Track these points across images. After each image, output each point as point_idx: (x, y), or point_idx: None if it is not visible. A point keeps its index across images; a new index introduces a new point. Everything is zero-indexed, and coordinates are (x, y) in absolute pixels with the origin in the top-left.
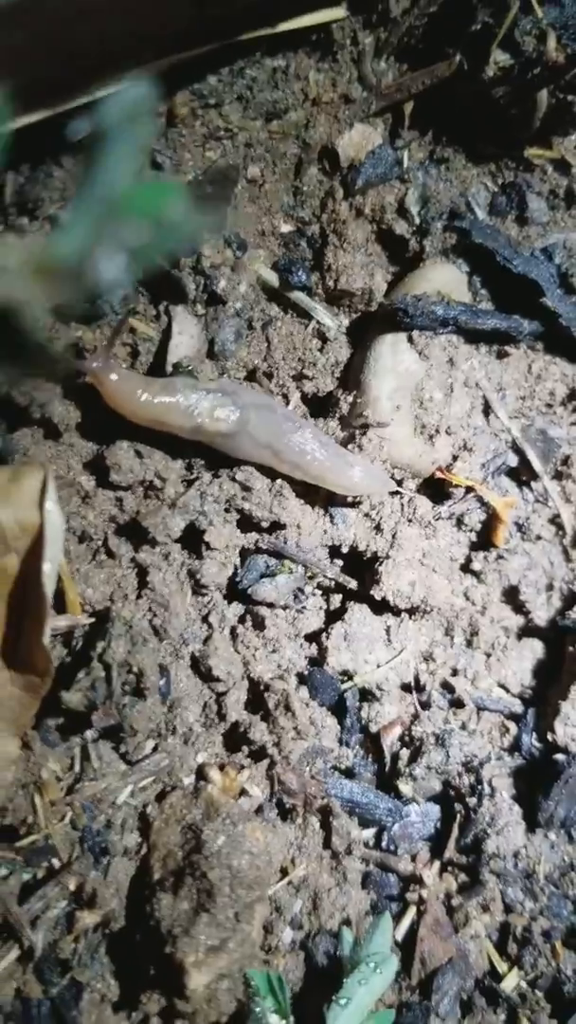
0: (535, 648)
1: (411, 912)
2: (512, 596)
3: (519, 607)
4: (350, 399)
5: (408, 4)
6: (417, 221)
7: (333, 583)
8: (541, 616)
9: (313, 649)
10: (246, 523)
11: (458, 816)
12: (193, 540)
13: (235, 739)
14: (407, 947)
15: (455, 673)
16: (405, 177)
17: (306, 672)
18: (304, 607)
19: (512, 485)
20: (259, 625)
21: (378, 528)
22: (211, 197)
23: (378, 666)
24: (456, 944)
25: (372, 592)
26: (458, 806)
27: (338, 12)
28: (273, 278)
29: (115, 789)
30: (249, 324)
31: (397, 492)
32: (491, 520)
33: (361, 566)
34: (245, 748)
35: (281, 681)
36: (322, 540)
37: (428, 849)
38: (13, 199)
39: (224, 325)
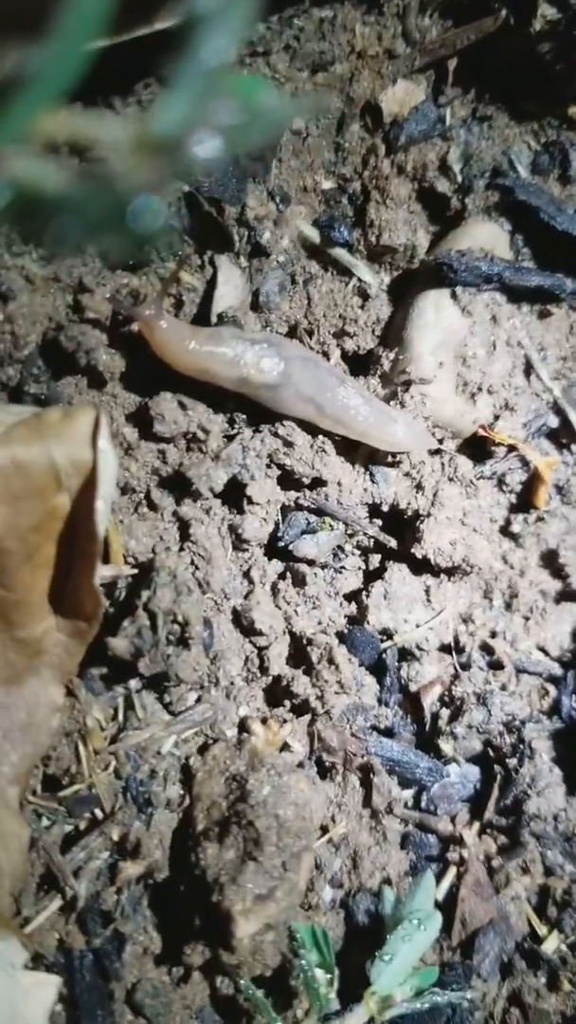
0: (574, 612)
1: (451, 873)
2: (551, 560)
3: (558, 571)
4: (392, 356)
5: None
6: (459, 179)
7: (372, 542)
8: None
9: (351, 608)
10: (286, 480)
11: (498, 777)
12: (233, 496)
13: (277, 693)
14: (447, 908)
15: (494, 635)
16: (447, 134)
17: (345, 631)
18: (343, 566)
19: (552, 447)
20: (300, 582)
21: (419, 487)
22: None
23: (417, 626)
24: (497, 905)
25: (413, 550)
26: (497, 768)
27: None
28: (314, 235)
29: (159, 739)
30: (292, 279)
31: (438, 451)
32: (532, 480)
33: (400, 526)
34: (287, 702)
35: (324, 635)
36: (362, 498)
37: (467, 810)
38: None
39: (268, 277)
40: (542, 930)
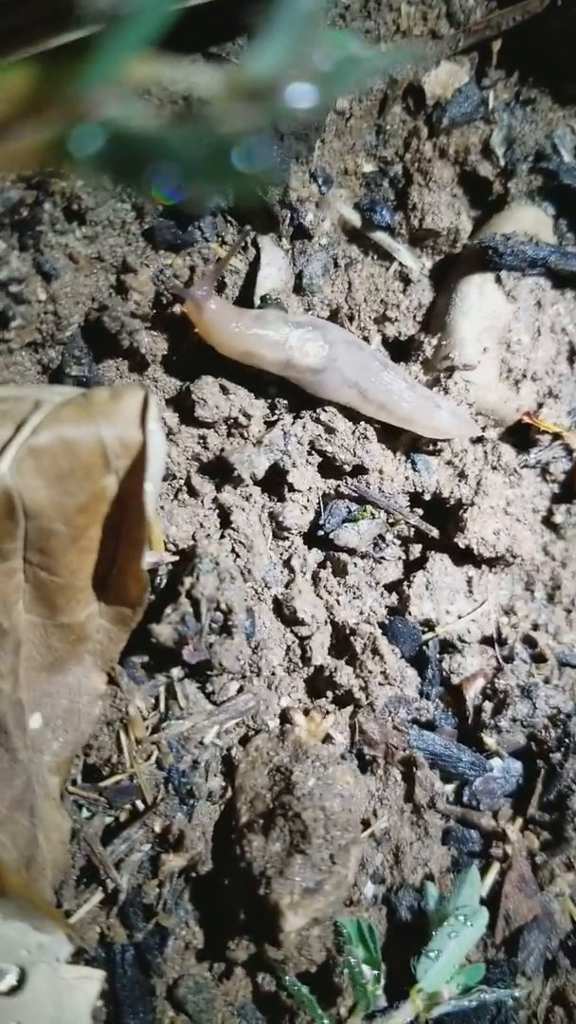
0: None
1: (494, 869)
2: None
3: None
4: (434, 342)
5: None
6: (502, 163)
7: (413, 532)
8: None
9: (392, 599)
10: (327, 467)
11: (542, 771)
12: (274, 484)
13: (319, 684)
14: (490, 904)
15: (536, 628)
16: (490, 118)
17: (386, 622)
18: (384, 556)
19: None
20: (341, 571)
21: (462, 475)
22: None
23: (459, 617)
24: (541, 902)
25: (456, 539)
26: (541, 762)
27: None
28: (355, 218)
29: (202, 729)
30: (334, 263)
31: (480, 439)
32: None
33: (442, 515)
34: (329, 693)
35: (368, 625)
36: (403, 487)
37: (510, 805)
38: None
39: (312, 259)
40: None
